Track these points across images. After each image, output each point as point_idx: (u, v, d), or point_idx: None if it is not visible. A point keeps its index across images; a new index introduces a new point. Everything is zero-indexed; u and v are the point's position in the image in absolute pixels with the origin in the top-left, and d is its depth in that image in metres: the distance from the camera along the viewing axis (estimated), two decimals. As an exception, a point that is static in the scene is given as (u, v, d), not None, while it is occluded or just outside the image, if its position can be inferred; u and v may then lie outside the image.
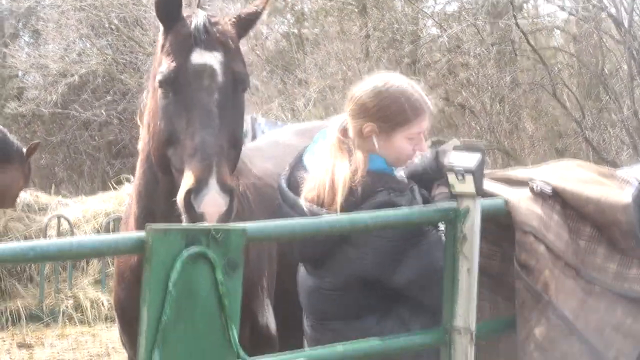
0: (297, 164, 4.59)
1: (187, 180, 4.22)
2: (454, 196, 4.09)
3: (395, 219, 4.06)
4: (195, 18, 4.57)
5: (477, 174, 4.01)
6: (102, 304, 13.03)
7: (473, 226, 4.03)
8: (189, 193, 4.18)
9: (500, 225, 4.41)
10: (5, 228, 13.45)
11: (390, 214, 4.05)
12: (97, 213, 14.35)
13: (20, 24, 27.54)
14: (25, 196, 14.10)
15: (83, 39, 23.47)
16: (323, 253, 4.30)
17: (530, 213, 4.28)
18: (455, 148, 4.14)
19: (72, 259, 10.57)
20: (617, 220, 4.31)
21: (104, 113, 23.71)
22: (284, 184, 4.52)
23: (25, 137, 21.34)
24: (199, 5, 4.74)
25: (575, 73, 19.70)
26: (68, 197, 16.29)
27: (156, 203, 4.67)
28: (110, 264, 12.97)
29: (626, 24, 16.72)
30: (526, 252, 4.25)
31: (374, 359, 4.11)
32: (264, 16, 4.94)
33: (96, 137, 25.22)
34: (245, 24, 4.81)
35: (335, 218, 3.96)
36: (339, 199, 4.22)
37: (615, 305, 4.34)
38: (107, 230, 13.32)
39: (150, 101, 4.69)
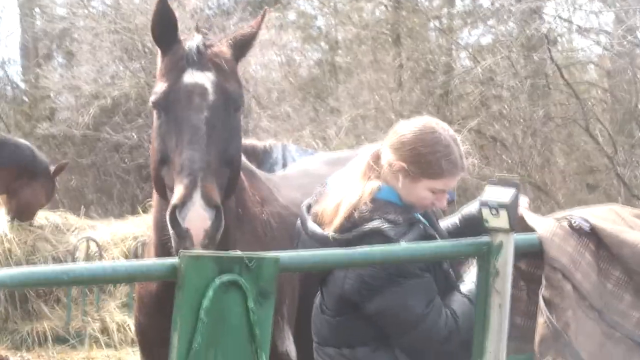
0: (323, 188, 4.61)
1: (174, 196, 4.23)
2: (488, 230, 4.06)
3: (428, 251, 4.05)
4: (190, 41, 4.63)
5: (512, 209, 3.99)
6: (129, 327, 12.97)
7: (506, 261, 4.01)
8: (174, 208, 4.19)
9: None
10: (33, 248, 13.42)
11: (422, 246, 4.04)
12: (126, 237, 14.32)
13: (54, 45, 27.69)
14: (54, 217, 14.13)
15: (116, 61, 23.56)
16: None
17: (562, 250, 4.25)
18: (490, 182, 4.12)
19: (105, 283, 10.56)
20: None
21: (135, 136, 23.74)
22: (304, 207, 4.57)
23: (55, 158, 21.31)
24: (197, 29, 4.78)
25: (608, 108, 19.60)
26: (97, 219, 16.32)
27: (167, 230, 4.68)
28: (137, 288, 12.93)
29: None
30: (552, 288, 4.23)
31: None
32: (259, 36, 4.94)
33: (126, 160, 25.25)
34: (241, 45, 4.85)
35: (367, 250, 3.93)
36: (336, 220, 4.27)
37: (633, 353, 4.32)
38: (135, 255, 13.30)
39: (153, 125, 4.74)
